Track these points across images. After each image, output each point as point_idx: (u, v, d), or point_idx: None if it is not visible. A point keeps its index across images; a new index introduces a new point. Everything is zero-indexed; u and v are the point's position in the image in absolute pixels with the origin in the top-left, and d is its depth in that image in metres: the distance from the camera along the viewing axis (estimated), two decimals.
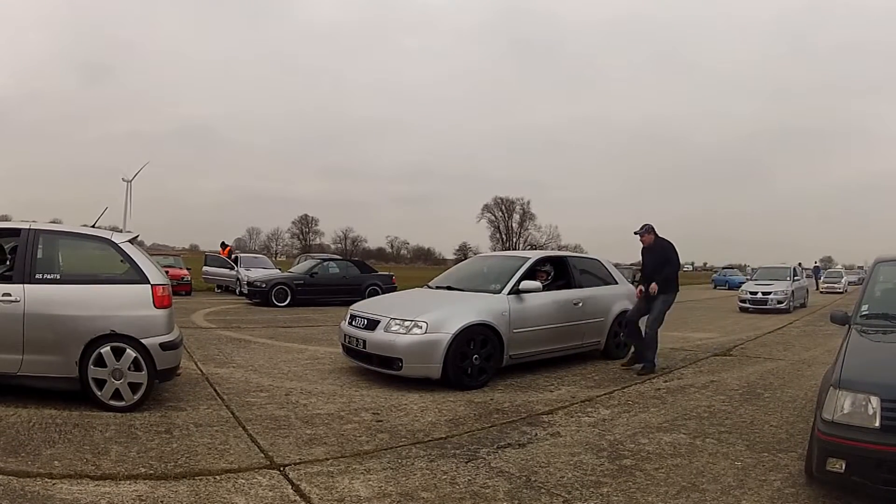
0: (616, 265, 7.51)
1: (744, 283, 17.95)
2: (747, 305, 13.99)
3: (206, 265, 17.79)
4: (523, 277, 5.53)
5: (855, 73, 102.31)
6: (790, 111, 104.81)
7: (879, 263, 3.87)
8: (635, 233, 5.94)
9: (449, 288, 5.92)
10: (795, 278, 14.92)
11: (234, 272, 16.17)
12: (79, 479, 2.67)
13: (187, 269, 16.16)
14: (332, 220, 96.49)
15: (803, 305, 15.28)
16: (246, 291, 13.95)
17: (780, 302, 13.60)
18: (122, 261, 4.04)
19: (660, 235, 5.92)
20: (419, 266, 62.33)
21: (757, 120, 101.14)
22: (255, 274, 14.75)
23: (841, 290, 24.09)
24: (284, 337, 7.80)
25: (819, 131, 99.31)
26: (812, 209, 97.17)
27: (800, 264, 19.51)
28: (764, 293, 13.82)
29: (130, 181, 35.66)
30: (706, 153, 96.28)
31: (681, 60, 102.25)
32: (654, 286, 5.61)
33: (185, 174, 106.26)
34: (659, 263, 5.74)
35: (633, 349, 6.01)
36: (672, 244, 5.87)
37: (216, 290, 17.15)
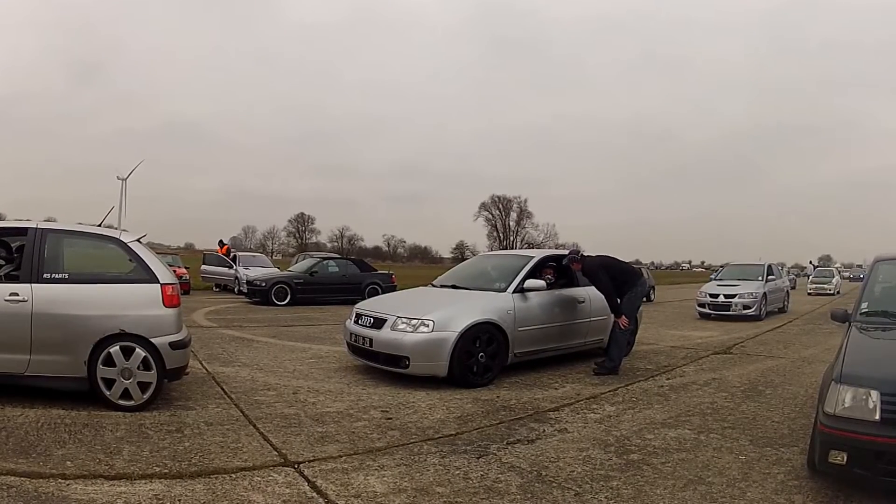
0: None
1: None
2: (707, 311, 11.70)
3: (204, 264, 17.72)
4: (528, 276, 5.58)
5: (849, 70, 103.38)
6: (785, 108, 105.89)
7: (879, 262, 3.95)
8: (563, 263, 5.97)
9: (454, 286, 5.97)
10: (770, 278, 12.44)
11: (232, 271, 16.12)
12: (93, 479, 2.68)
13: (185, 267, 16.11)
14: (328, 219, 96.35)
15: (782, 310, 13.00)
16: (245, 290, 13.94)
17: (746, 307, 11.25)
18: (129, 260, 4.05)
19: (588, 256, 5.92)
20: (416, 265, 62.31)
21: (751, 117, 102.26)
22: (254, 273, 14.74)
23: (832, 292, 21.39)
24: (287, 336, 7.82)
25: (815, 128, 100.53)
26: (810, 207, 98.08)
27: (811, 262, 18.38)
28: (727, 296, 11.47)
29: (125, 179, 35.30)
30: (702, 151, 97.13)
31: (672, 57, 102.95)
32: (622, 320, 5.56)
33: (179, 172, 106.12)
34: (597, 285, 5.71)
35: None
36: (598, 259, 5.83)
37: (214, 288, 17.11)
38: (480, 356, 4.92)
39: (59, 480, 2.64)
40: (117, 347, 3.78)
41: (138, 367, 3.80)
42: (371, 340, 5.04)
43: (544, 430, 3.70)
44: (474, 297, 5.42)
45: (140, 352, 3.81)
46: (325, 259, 15.25)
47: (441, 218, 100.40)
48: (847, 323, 3.51)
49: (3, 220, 4.57)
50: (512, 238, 66.62)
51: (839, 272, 29.40)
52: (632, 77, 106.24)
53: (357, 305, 5.73)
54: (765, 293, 11.71)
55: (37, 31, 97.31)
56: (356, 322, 5.40)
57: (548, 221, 67.90)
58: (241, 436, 3.40)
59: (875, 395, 2.49)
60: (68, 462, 2.85)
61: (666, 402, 4.54)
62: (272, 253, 61.89)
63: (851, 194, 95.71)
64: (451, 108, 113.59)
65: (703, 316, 11.79)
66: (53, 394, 3.78)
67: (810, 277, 24.46)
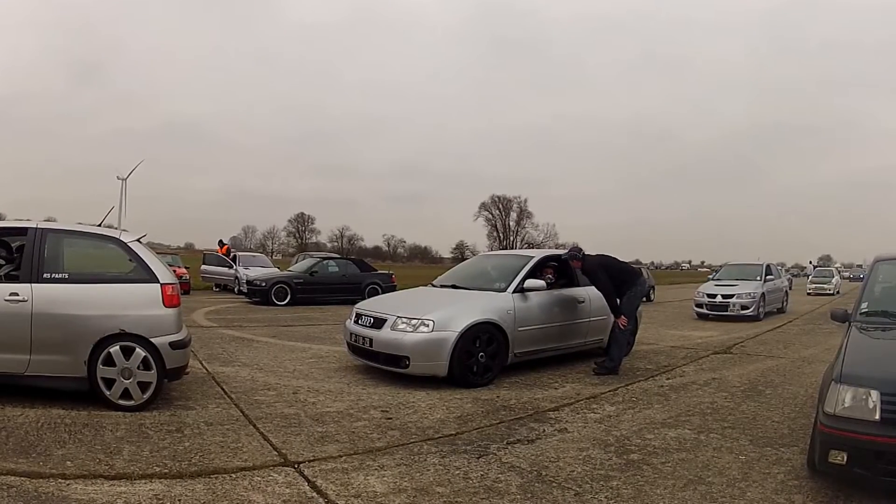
0: None
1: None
2: (705, 311, 11.58)
3: (204, 263, 17.73)
4: (528, 276, 5.58)
5: (849, 70, 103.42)
6: (785, 108, 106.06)
7: (879, 262, 3.95)
8: (562, 258, 5.95)
9: (454, 286, 5.97)
10: (769, 278, 12.32)
11: (232, 271, 16.13)
12: (93, 479, 2.68)
13: (186, 267, 16.12)
14: (328, 219, 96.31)
15: (780, 311, 12.93)
16: (245, 290, 13.93)
17: (745, 307, 11.14)
18: (129, 260, 4.05)
19: (589, 254, 5.88)
20: (416, 265, 62.30)
21: (751, 117, 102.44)
22: (254, 273, 14.74)
23: (831, 292, 21.37)
24: (287, 335, 7.82)
25: (815, 128, 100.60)
26: (810, 207, 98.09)
27: (811, 262, 18.27)
28: (724, 296, 11.37)
29: (125, 179, 35.30)
30: (702, 151, 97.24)
31: (672, 57, 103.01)
32: (622, 320, 5.55)
33: (179, 172, 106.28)
34: (597, 285, 5.72)
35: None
36: (598, 259, 5.82)
37: (214, 288, 17.11)
38: (480, 356, 4.92)
39: (59, 480, 2.63)
40: (117, 347, 3.78)
41: (138, 367, 3.80)
42: (371, 340, 5.04)
43: (544, 430, 3.70)
44: (474, 297, 5.42)
45: (140, 352, 3.81)
46: (325, 259, 15.25)
47: (441, 218, 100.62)
48: (847, 323, 3.51)
49: (3, 220, 4.56)
50: (512, 238, 66.61)
51: (839, 272, 29.38)
52: (632, 77, 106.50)
53: (357, 305, 5.74)
54: (763, 293, 11.58)
55: (37, 31, 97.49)
56: (356, 322, 5.41)
57: (548, 221, 68.00)
58: (241, 436, 3.40)
59: (875, 394, 2.50)
60: (68, 462, 2.85)
61: (666, 401, 4.54)
62: (272, 253, 61.89)
63: (851, 194, 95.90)
64: (451, 108, 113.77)
65: (701, 316, 11.67)
66: (53, 394, 3.78)
67: (810, 277, 24.39)
